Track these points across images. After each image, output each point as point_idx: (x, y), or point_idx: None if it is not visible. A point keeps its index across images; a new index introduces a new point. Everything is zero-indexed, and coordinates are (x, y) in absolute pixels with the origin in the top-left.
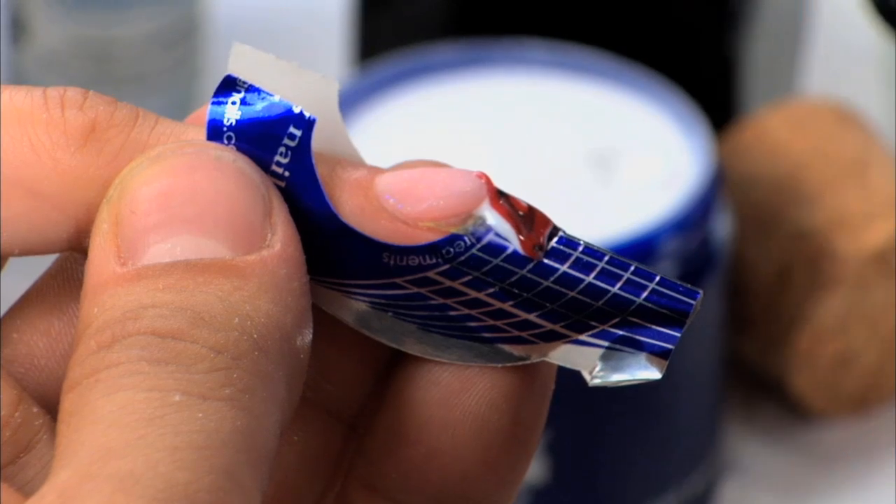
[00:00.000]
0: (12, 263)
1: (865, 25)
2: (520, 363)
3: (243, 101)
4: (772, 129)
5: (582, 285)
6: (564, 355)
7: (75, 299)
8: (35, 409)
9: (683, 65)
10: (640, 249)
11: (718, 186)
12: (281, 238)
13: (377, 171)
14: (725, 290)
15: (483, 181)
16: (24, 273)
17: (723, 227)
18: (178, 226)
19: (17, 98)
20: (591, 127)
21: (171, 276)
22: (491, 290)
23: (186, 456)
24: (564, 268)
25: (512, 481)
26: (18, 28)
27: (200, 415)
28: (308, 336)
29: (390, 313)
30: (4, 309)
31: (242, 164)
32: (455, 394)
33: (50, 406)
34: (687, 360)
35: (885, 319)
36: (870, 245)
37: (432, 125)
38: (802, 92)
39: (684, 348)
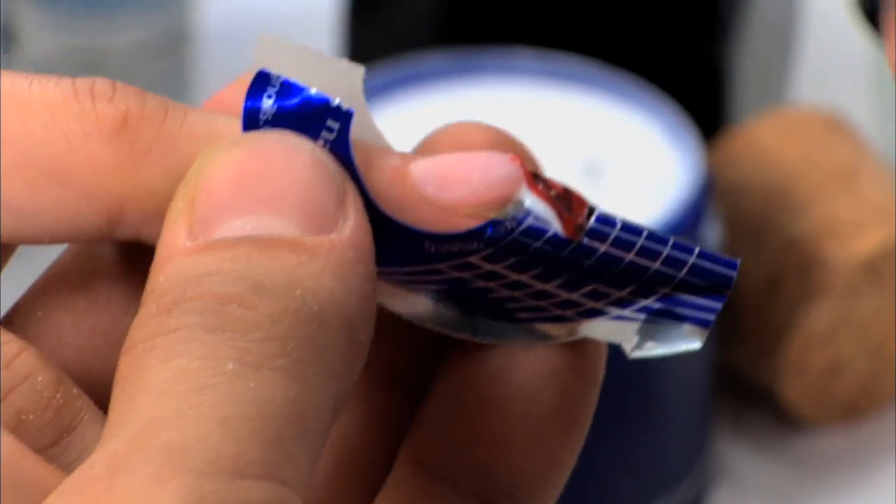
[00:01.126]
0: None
1: (854, 33)
2: (563, 341)
3: (279, 96)
4: (761, 137)
5: (623, 263)
6: (606, 331)
7: (100, 276)
8: (75, 390)
9: (673, 74)
10: None
11: (708, 195)
12: (352, 225)
13: (410, 157)
14: None
15: (518, 164)
16: (24, 255)
17: (713, 235)
18: (252, 205)
19: (48, 89)
20: (581, 135)
21: (238, 248)
22: (532, 273)
23: (237, 427)
24: (605, 247)
25: (562, 462)
26: (7, 37)
27: (253, 384)
28: (371, 320)
29: (431, 298)
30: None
31: (320, 153)
32: (503, 372)
33: (79, 384)
34: (677, 369)
35: (875, 327)
36: (860, 253)
37: (422, 133)
38: (792, 100)
39: (674, 357)
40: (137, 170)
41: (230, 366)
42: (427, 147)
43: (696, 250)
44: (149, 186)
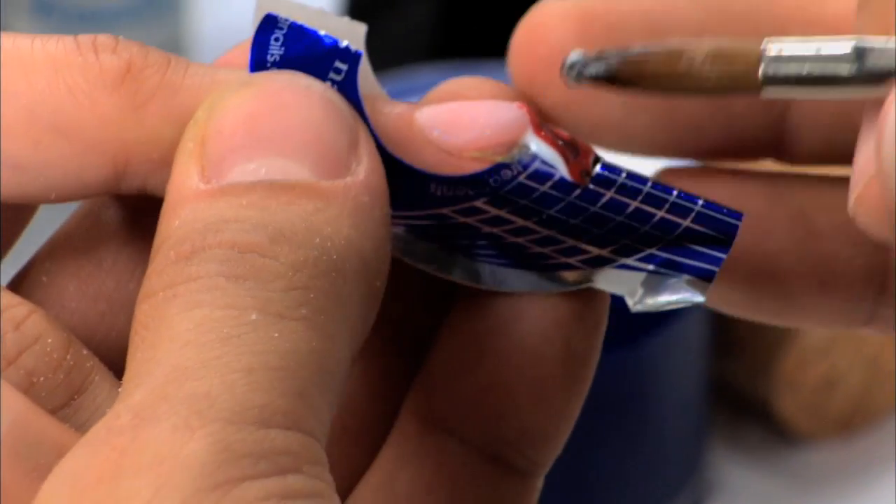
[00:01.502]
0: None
1: None
2: (567, 289)
3: (286, 37)
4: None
5: (629, 209)
6: (610, 280)
7: (104, 242)
8: (84, 352)
9: None
10: None
11: None
12: (366, 168)
13: (415, 106)
14: (711, 313)
15: (524, 111)
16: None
17: None
18: (265, 147)
19: (50, 45)
20: None
21: (254, 193)
22: (538, 218)
23: (261, 377)
24: (611, 193)
25: (565, 415)
26: None
27: (276, 334)
28: (385, 265)
29: (438, 245)
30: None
31: (332, 94)
32: (508, 323)
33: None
34: (674, 383)
35: (870, 341)
36: None
37: None
38: None
39: (670, 371)
40: (141, 117)
41: (253, 315)
42: (430, 100)
43: (701, 200)
44: (153, 134)
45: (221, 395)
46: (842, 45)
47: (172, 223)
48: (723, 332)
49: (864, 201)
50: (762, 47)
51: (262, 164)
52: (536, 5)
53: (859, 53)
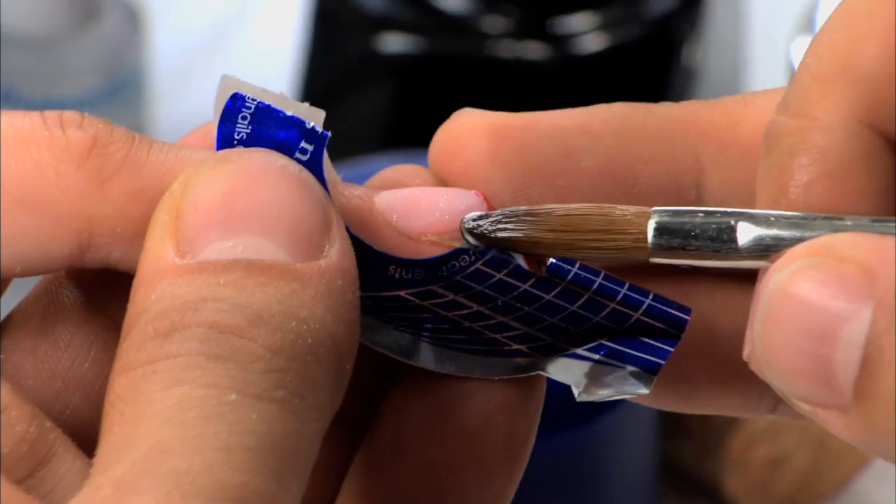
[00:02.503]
0: None
1: None
2: (517, 375)
3: (254, 116)
4: None
5: (581, 300)
6: (559, 368)
7: (60, 321)
8: (48, 424)
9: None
10: None
11: None
12: (338, 250)
13: (373, 190)
14: None
15: (481, 199)
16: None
17: None
18: (241, 226)
19: (17, 120)
20: None
21: (231, 272)
22: (493, 304)
23: (240, 457)
24: (564, 282)
25: (505, 495)
26: None
27: (255, 416)
28: (355, 348)
29: (392, 326)
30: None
31: (306, 175)
32: (453, 406)
33: None
34: (624, 463)
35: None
36: None
37: None
38: None
39: (621, 451)
40: (106, 192)
41: (233, 396)
42: (373, 186)
43: (651, 294)
44: (118, 208)
45: (201, 473)
46: (724, 220)
47: (149, 296)
48: (672, 413)
49: (752, 359)
50: (649, 221)
51: (239, 243)
52: (454, 115)
53: (742, 230)
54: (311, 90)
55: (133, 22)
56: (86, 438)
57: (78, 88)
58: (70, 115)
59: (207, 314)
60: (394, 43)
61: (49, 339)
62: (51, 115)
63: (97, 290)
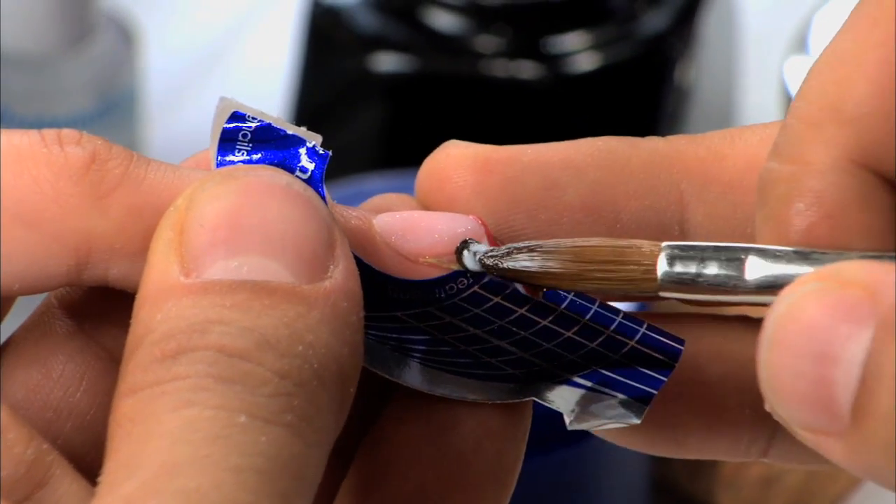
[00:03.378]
0: None
1: None
2: (510, 400)
3: (254, 134)
4: None
5: (577, 326)
6: (552, 396)
7: (53, 352)
8: (45, 446)
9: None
10: None
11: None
12: (342, 271)
13: (371, 212)
14: None
15: (479, 223)
16: None
17: None
18: (247, 245)
19: (15, 138)
20: None
21: (238, 294)
22: (489, 328)
23: (249, 478)
24: (561, 308)
25: None
26: None
27: (263, 438)
28: (358, 371)
29: (388, 346)
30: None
31: (311, 194)
32: (444, 430)
33: None
34: (616, 482)
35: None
36: None
37: None
38: None
39: (613, 470)
40: (104, 208)
41: (242, 418)
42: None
43: (645, 324)
44: (116, 224)
45: (210, 492)
46: (734, 254)
47: (154, 316)
48: None
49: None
50: (660, 254)
51: (244, 263)
52: (441, 147)
53: (751, 264)
54: (305, 109)
55: (127, 42)
56: (78, 468)
57: (72, 108)
58: (68, 132)
59: (215, 337)
60: (387, 62)
61: (41, 369)
62: (49, 132)
63: (90, 320)
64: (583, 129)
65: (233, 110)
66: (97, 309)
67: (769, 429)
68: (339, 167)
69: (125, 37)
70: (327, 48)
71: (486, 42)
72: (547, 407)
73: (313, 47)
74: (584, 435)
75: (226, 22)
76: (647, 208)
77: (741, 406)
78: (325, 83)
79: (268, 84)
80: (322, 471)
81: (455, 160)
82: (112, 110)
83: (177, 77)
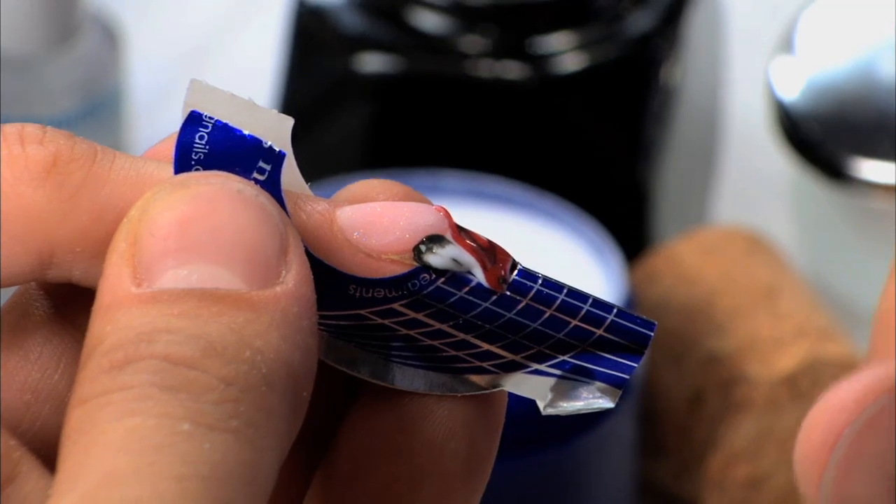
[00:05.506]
0: None
1: (774, 154)
2: (478, 392)
3: (210, 136)
4: (683, 256)
5: (543, 317)
6: (521, 384)
7: (30, 334)
8: (12, 442)
9: (596, 194)
10: None
11: None
12: (295, 276)
13: (336, 203)
14: (638, 414)
15: (443, 214)
16: None
17: None
18: (197, 253)
19: None
20: None
21: (186, 302)
22: (454, 322)
23: (192, 486)
24: (526, 300)
25: None
26: None
27: (207, 445)
28: (312, 375)
29: (354, 344)
30: None
31: (264, 199)
32: (414, 421)
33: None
34: (603, 483)
35: (796, 442)
36: (780, 369)
37: None
38: (713, 221)
39: (600, 471)
40: (66, 211)
41: (185, 426)
42: (340, 199)
43: (615, 309)
44: (78, 227)
45: (152, 501)
46: None
47: (104, 327)
48: (650, 432)
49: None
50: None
51: (194, 271)
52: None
53: None
54: (290, 108)
55: (111, 42)
56: (56, 449)
57: (56, 109)
58: (31, 129)
59: (161, 346)
60: (372, 63)
61: (19, 351)
62: (10, 129)
63: (68, 303)
64: (568, 130)
65: (201, 95)
66: (75, 292)
67: None
68: (324, 167)
69: (110, 37)
70: (312, 48)
71: (472, 42)
72: (529, 408)
73: (298, 47)
74: (570, 436)
75: (211, 22)
76: None
77: None
78: (310, 83)
79: (253, 83)
80: (275, 475)
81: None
82: (97, 111)
83: (162, 77)
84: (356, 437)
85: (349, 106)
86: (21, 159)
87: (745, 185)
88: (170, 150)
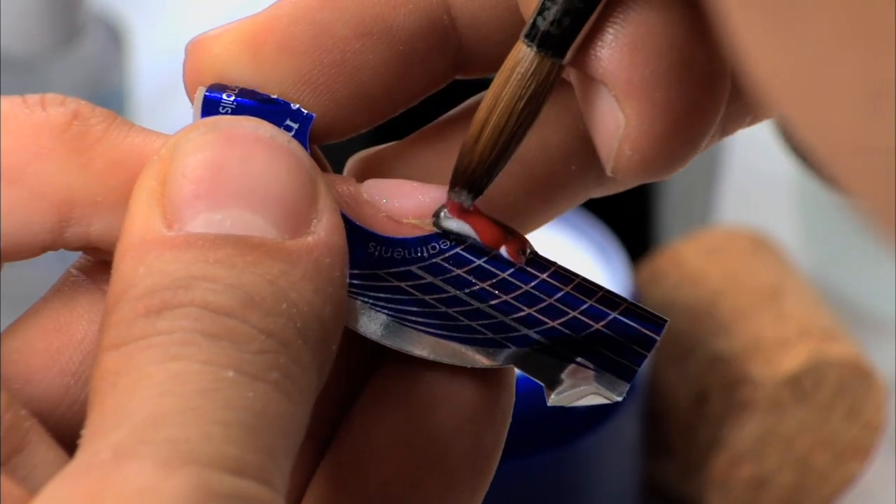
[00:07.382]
0: None
1: (778, 155)
2: (490, 366)
3: (238, 96)
4: (688, 256)
5: (560, 294)
6: (533, 364)
7: (75, 318)
8: (23, 412)
9: (602, 196)
10: None
11: None
12: (325, 225)
13: (354, 179)
14: (643, 415)
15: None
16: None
17: None
18: (230, 198)
19: None
20: None
21: (221, 249)
22: (471, 290)
23: (236, 432)
24: (544, 276)
25: None
26: None
27: (251, 394)
28: (340, 329)
29: (368, 304)
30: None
31: (295, 146)
32: (421, 416)
33: (41, 414)
34: (607, 483)
35: (800, 441)
36: (784, 369)
37: None
38: (718, 221)
39: (604, 471)
40: (86, 162)
41: (230, 374)
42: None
43: (627, 302)
44: (98, 179)
45: (199, 443)
46: None
47: (136, 269)
48: (655, 432)
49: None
50: (522, 46)
51: (227, 216)
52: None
53: None
54: None
55: (115, 42)
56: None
57: None
58: (52, 96)
59: (200, 293)
60: None
61: (62, 336)
62: (32, 97)
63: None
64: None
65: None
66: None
67: (596, 169)
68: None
69: (114, 37)
70: None
71: None
72: (534, 408)
73: None
74: (575, 436)
75: (214, 21)
76: (414, 10)
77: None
78: None
79: None
80: (304, 430)
81: (220, 41)
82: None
83: (165, 77)
84: (362, 428)
85: None
86: (42, 117)
87: (749, 187)
88: None
